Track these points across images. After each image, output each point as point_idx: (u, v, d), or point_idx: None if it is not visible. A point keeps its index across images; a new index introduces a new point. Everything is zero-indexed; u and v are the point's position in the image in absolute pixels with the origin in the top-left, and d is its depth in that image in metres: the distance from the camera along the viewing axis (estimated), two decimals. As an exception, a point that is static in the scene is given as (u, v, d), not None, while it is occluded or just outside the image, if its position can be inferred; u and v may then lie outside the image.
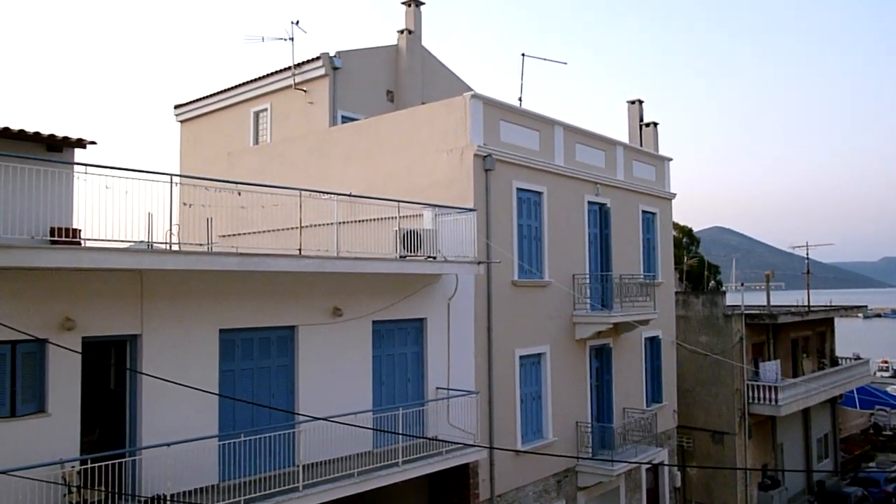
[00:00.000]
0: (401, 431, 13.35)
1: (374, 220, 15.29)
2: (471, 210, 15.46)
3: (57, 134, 12.88)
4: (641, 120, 29.31)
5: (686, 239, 51.47)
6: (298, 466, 11.92)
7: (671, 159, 25.98)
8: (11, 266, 9.20)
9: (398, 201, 14.56)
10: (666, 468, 23.97)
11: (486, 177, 16.92)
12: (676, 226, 46.32)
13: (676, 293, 27.20)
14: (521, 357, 17.92)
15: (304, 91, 24.22)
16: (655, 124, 29.20)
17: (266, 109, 25.76)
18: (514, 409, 17.57)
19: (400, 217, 14.46)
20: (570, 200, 19.89)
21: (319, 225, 14.05)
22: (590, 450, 19.51)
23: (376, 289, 14.42)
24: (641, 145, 27.62)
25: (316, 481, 12.00)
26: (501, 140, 17.65)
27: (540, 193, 18.80)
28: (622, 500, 21.35)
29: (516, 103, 19.87)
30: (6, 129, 12.39)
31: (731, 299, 30.61)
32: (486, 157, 16.85)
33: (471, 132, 16.79)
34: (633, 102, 29.64)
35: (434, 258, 14.60)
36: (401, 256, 14.19)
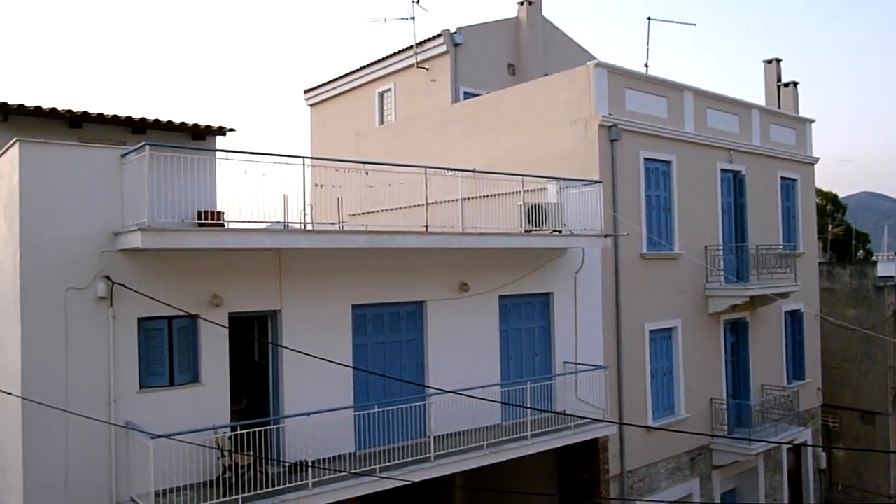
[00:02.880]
0: (529, 405, 13.39)
1: (499, 195, 15.28)
2: (596, 182, 15.12)
3: (200, 123, 13.77)
4: (779, 80, 27.45)
5: (830, 206, 48.09)
6: (429, 437, 12.24)
7: (813, 121, 24.22)
8: (165, 248, 9.96)
9: (522, 175, 14.46)
10: (809, 449, 22.70)
11: (611, 147, 16.48)
12: (819, 192, 43.29)
13: (820, 264, 25.49)
14: (650, 331, 17.45)
15: (427, 69, 24.46)
16: (795, 84, 27.27)
17: (390, 89, 26.24)
18: (644, 384, 17.18)
19: (524, 191, 14.37)
20: (701, 169, 19.02)
21: (445, 201, 14.23)
22: (725, 428, 18.78)
23: (502, 264, 14.45)
24: (780, 107, 25.90)
25: (446, 452, 12.28)
26: (627, 109, 17.09)
27: (669, 163, 18.10)
28: (761, 481, 20.44)
29: (642, 70, 19.14)
30: (156, 120, 13.41)
31: (882, 270, 28.29)
32: (611, 127, 16.39)
33: (595, 102, 16.37)
34: (769, 62, 27.80)
35: (560, 232, 14.43)
36: (526, 231, 14.12)
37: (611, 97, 16.67)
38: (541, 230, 14.25)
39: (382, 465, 11.48)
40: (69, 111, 12.52)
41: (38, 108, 12.22)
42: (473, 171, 15.07)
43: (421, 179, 13.16)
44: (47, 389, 9.48)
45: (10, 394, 9.36)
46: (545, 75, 21.07)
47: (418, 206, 13.48)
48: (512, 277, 14.58)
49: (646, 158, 17.41)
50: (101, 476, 9.88)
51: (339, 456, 11.93)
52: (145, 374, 10.40)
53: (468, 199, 14.54)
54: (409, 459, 11.89)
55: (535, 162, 17.06)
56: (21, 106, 12.10)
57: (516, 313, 14.96)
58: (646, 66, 23.14)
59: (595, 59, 20.30)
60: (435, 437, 12.29)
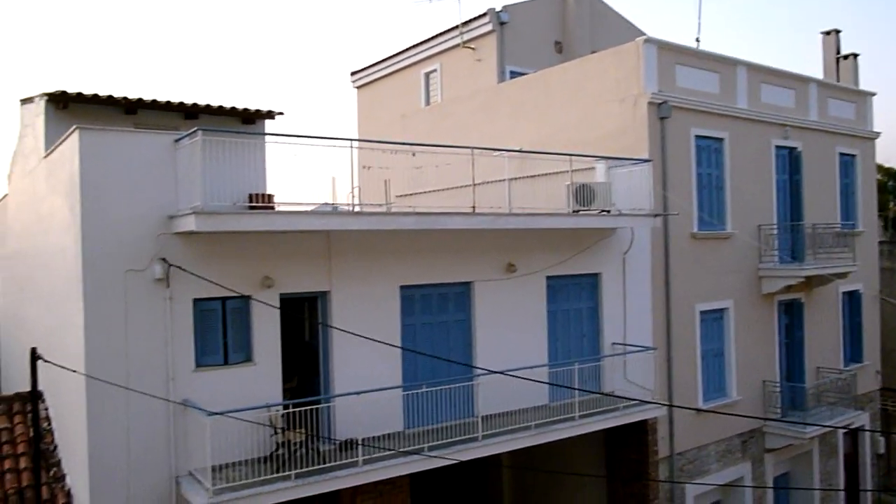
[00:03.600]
0: (577, 386, 13.36)
1: (545, 174, 15.19)
2: (646, 161, 14.88)
3: (250, 108, 13.98)
4: (838, 53, 26.47)
5: (892, 183, 46.33)
6: (477, 417, 12.34)
7: (874, 94, 23.33)
8: (218, 230, 10.18)
9: (570, 155, 14.31)
10: (867, 433, 22.13)
11: (661, 125, 16.17)
12: (881, 168, 41.73)
13: (881, 243, 24.64)
14: (701, 312, 17.19)
15: (472, 49, 24.32)
16: (855, 56, 26.26)
17: (436, 70, 26.19)
18: (694, 365, 16.96)
19: (572, 171, 14.24)
20: (754, 146, 18.54)
21: (491, 182, 14.21)
22: (779, 410, 18.42)
23: (549, 244, 14.38)
24: (838, 81, 25.00)
25: (494, 432, 12.36)
26: (678, 85, 16.73)
27: (721, 140, 17.69)
28: (815, 465, 20.05)
29: (693, 45, 18.68)
30: (208, 106, 13.65)
31: (948, 249, 27.21)
32: (661, 104, 16.08)
33: (644, 79, 16.07)
34: (827, 33, 26.79)
35: (608, 212, 14.27)
36: (573, 211, 14.00)
37: (660, 73, 16.33)
38: (589, 210, 14.11)
39: (431, 444, 11.62)
40: (125, 98, 12.84)
41: (95, 95, 12.56)
42: (520, 150, 15.02)
43: (467, 160, 13.15)
44: (109, 368, 9.84)
45: (75, 371, 9.74)
46: (593, 52, 20.75)
47: (465, 186, 13.50)
48: (559, 258, 14.50)
49: (697, 136, 17.04)
50: (161, 451, 10.24)
51: (388, 434, 12.12)
52: (201, 353, 10.71)
53: (515, 179, 14.52)
54: (457, 439, 12.01)
55: (583, 141, 16.87)
56: (79, 94, 12.45)
57: (564, 294, 14.89)
58: (697, 40, 22.53)
59: (644, 34, 19.90)
60: (483, 417, 12.38)
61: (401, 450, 11.35)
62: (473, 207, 12.72)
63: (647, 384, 14.78)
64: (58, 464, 11.25)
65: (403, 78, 27.64)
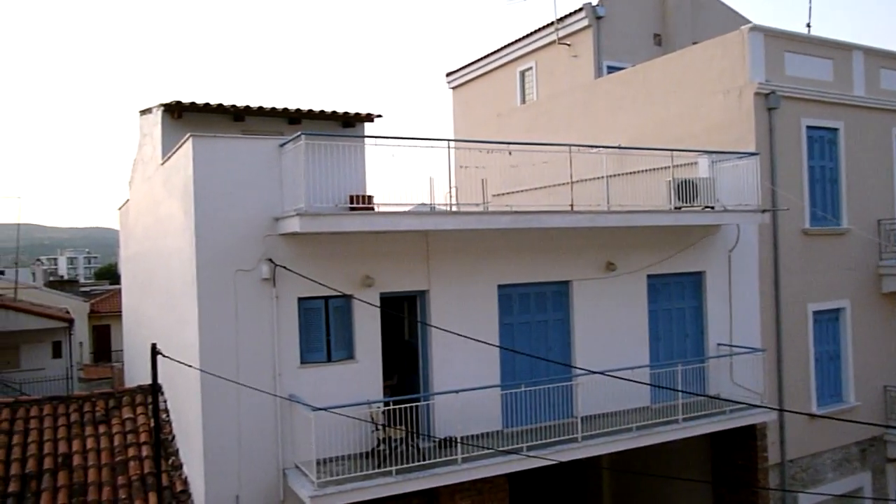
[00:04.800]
0: (680, 388, 12.96)
1: (645, 171, 14.80)
2: (753, 154, 14.25)
3: (350, 111, 14.33)
4: (968, 32, 24.45)
5: None
6: (577, 418, 12.18)
7: None
8: (321, 231, 10.51)
9: (671, 150, 13.90)
10: None
11: (769, 116, 15.45)
12: None
13: None
14: (814, 313, 16.31)
15: (568, 45, 24.00)
16: None
17: (531, 68, 26.01)
18: (807, 368, 16.11)
19: (673, 166, 13.82)
20: (873, 135, 17.42)
21: (589, 179, 13.99)
22: (902, 418, 17.24)
23: (650, 242, 14.02)
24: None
25: (594, 433, 12.17)
26: (787, 74, 15.93)
27: (835, 130, 16.72)
28: (945, 477, 18.61)
29: (804, 30, 17.74)
30: (310, 111, 14.11)
31: None
32: (768, 94, 15.36)
33: (750, 69, 15.39)
34: (956, 12, 24.83)
35: (712, 208, 13.77)
36: (675, 208, 13.59)
37: (768, 62, 15.60)
38: (691, 206, 13.66)
39: (529, 443, 11.57)
40: (233, 106, 13.45)
41: (206, 104, 13.22)
42: (619, 147, 14.72)
43: (564, 158, 13.00)
44: (221, 363, 10.33)
45: (190, 366, 10.29)
46: (694, 43, 20.05)
47: (562, 184, 13.34)
48: (661, 256, 14.11)
49: (808, 126, 16.18)
50: (269, 444, 10.67)
51: (487, 433, 12.14)
52: (305, 350, 11.08)
53: (613, 176, 14.22)
54: (557, 439, 11.90)
55: (685, 135, 16.34)
56: (192, 103, 13.15)
57: (665, 293, 14.48)
58: (808, 25, 21.41)
59: (749, 22, 19.06)
60: (582, 418, 12.21)
61: (499, 449, 11.35)
62: (571, 205, 12.56)
63: (755, 387, 14.16)
64: (175, 453, 11.91)
65: (498, 77, 27.60)
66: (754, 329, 15.23)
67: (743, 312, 15.11)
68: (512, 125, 22.76)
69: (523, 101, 26.15)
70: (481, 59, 28.19)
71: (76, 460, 11.44)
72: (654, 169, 14.57)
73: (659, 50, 23.73)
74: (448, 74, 30.32)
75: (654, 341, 14.27)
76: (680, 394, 12.90)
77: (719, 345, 14.78)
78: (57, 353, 29.45)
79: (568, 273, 13.31)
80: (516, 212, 11.97)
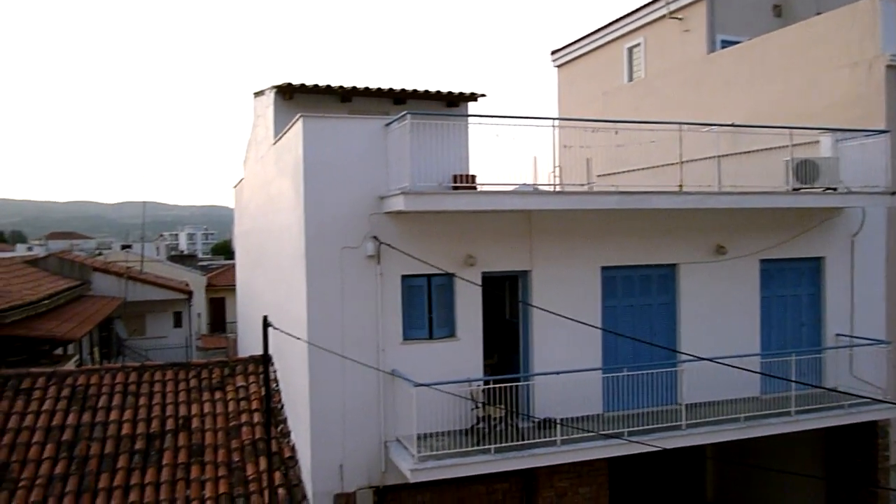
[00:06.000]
0: (793, 379, 12.35)
1: (760, 150, 14.10)
2: (883, 132, 13.27)
3: (454, 91, 14.37)
4: None
5: None
6: (681, 405, 11.85)
7: None
8: (425, 210, 10.64)
9: (790, 128, 13.16)
10: None
11: (902, 91, 14.33)
12: None
13: None
14: (949, 304, 15.10)
15: (680, 19, 23.06)
16: None
17: (639, 44, 25.20)
18: (938, 364, 14.96)
19: (792, 145, 13.08)
20: None
21: (699, 159, 13.46)
22: None
23: (764, 225, 13.37)
24: None
25: (699, 422, 11.81)
26: (924, 45, 14.70)
27: (979, 106, 15.31)
28: None
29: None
30: (415, 90, 14.25)
31: None
32: (902, 67, 14.24)
33: (882, 40, 14.30)
34: None
35: (834, 189, 12.95)
36: (793, 189, 12.87)
37: (903, 33, 14.44)
38: (811, 188, 12.90)
39: (630, 428, 11.36)
40: (341, 87, 13.77)
41: (315, 86, 13.60)
42: (733, 125, 14.07)
43: (673, 136, 12.56)
44: (328, 337, 10.69)
45: (299, 339, 10.70)
46: (818, 14, 18.82)
47: (671, 164, 12.90)
48: (775, 240, 13.44)
49: (947, 102, 14.90)
50: (372, 416, 10.98)
51: (587, 416, 12.02)
52: (408, 327, 11.29)
53: (726, 155, 13.62)
54: (659, 426, 11.63)
55: (805, 112, 15.42)
56: (302, 85, 13.56)
57: (780, 279, 13.79)
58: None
59: (883, -10, 17.67)
60: (686, 405, 11.86)
61: (600, 432, 11.22)
62: (680, 186, 12.14)
63: (877, 381, 13.30)
64: (284, 421, 12.47)
65: (605, 54, 26.91)
66: (878, 320, 14.28)
67: (866, 302, 14.19)
68: (618, 103, 22.18)
69: (630, 78, 25.40)
70: (587, 35, 27.54)
71: (195, 423, 12.18)
72: (769, 148, 13.84)
73: (778, 22, 22.40)
74: (553, 52, 29.82)
75: (766, 329, 13.65)
76: (793, 385, 12.30)
77: (838, 335, 13.96)
78: (178, 322, 31.40)
79: (675, 256, 12.91)
80: (623, 192, 11.68)
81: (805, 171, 12.83)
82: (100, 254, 48.08)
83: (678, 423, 11.69)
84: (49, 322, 17.58)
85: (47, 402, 12.23)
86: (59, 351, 17.65)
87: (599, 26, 26.84)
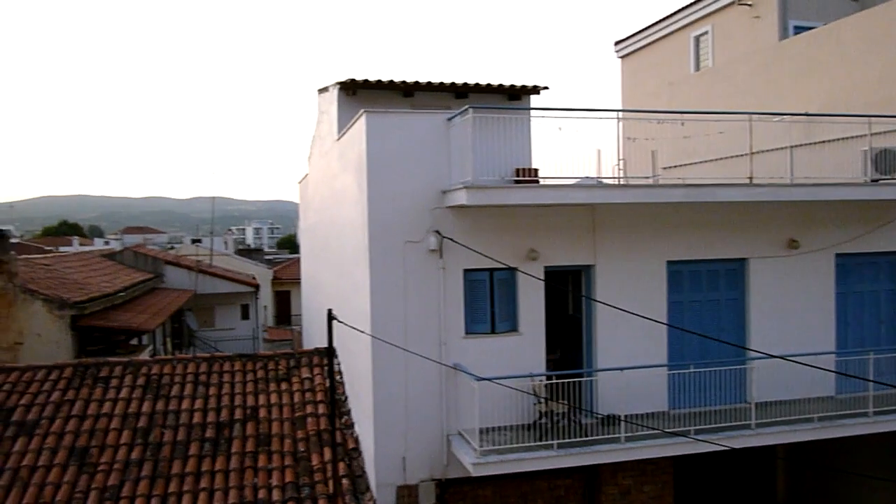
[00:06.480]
0: (871, 378, 11.84)
1: (836, 140, 13.54)
2: (969, 120, 12.59)
3: (516, 84, 14.28)
4: None
5: None
6: (750, 404, 11.51)
7: None
8: (487, 204, 10.61)
9: (869, 116, 12.59)
10: None
11: None
12: None
13: None
14: None
15: (749, 5, 22.33)
16: None
17: (707, 32, 24.52)
18: None
19: (871, 135, 12.52)
20: None
21: (770, 150, 13.03)
22: None
23: (840, 218, 12.86)
24: None
25: (769, 421, 11.45)
26: None
27: None
28: None
29: None
30: (477, 84, 14.20)
31: None
32: None
33: (971, 22, 13.53)
34: None
35: (916, 181, 12.34)
36: (871, 180, 12.33)
37: None
38: (890, 179, 12.32)
39: (697, 427, 11.11)
40: (403, 82, 13.85)
41: (378, 81, 13.72)
42: (806, 114, 13.56)
43: (742, 127, 12.19)
44: (390, 330, 10.80)
45: (362, 332, 10.84)
46: (900, -3, 17.92)
47: (739, 156, 12.54)
48: (852, 233, 12.90)
49: None
50: (434, 409, 11.04)
51: (651, 413, 11.82)
52: (470, 321, 11.30)
53: (799, 146, 13.14)
54: (727, 424, 11.34)
55: (883, 100, 14.71)
56: (365, 81, 13.70)
57: (857, 274, 13.24)
58: None
59: (971, -31, 16.71)
60: (756, 404, 11.52)
61: (665, 430, 11.00)
62: (750, 178, 11.77)
63: (963, 382, 12.65)
64: (348, 412, 12.66)
65: (670, 43, 26.29)
66: (965, 317, 13.56)
67: (951, 298, 13.49)
68: (685, 94, 21.64)
69: (697, 68, 24.75)
70: (652, 25, 26.96)
71: (262, 413, 12.49)
72: (845, 138, 13.29)
73: (855, 6, 21.44)
74: (617, 43, 29.31)
75: (842, 326, 13.13)
76: (871, 385, 11.80)
77: (920, 333, 13.32)
78: (245, 315, 32.26)
79: (744, 250, 12.54)
80: (689, 185, 11.42)
81: (884, 162, 12.28)
82: (171, 248, 49.72)
83: (747, 422, 11.37)
84: (125, 313, 18.31)
85: (124, 391, 12.73)
86: (134, 341, 18.36)
87: (665, 15, 26.24)
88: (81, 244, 68.12)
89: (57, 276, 18.61)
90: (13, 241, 26.31)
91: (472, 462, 10.11)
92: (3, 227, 19.76)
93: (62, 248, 52.63)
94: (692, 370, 11.56)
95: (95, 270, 22.03)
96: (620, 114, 11.13)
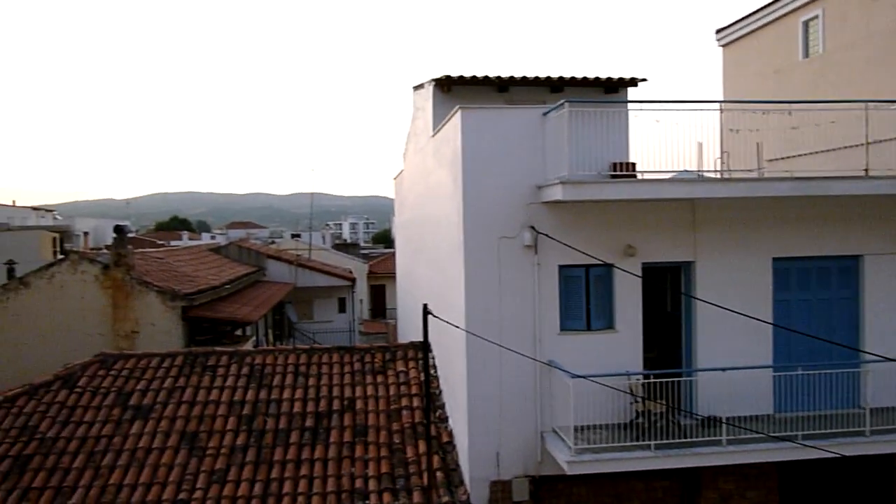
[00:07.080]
0: None
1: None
2: None
3: (613, 76, 14.02)
4: None
5: None
6: (865, 409, 10.88)
7: None
8: (583, 199, 10.47)
9: None
10: None
11: None
12: None
13: None
14: None
15: (866, -14, 20.98)
16: None
17: (817, 16, 23.21)
18: None
19: None
20: None
21: (887, 140, 12.23)
22: None
23: (968, 213, 11.94)
24: None
25: (886, 428, 10.80)
26: None
27: None
28: None
29: None
30: (572, 78, 14.04)
31: None
32: None
33: None
34: None
35: None
36: None
37: None
38: None
39: (805, 431, 10.59)
40: (498, 77, 13.83)
41: (473, 77, 13.77)
42: (930, 102, 12.67)
43: (856, 116, 11.50)
44: (485, 325, 10.83)
45: (458, 327, 10.93)
46: None
47: (853, 147, 11.84)
48: (982, 229, 11.95)
49: None
50: (528, 406, 11.01)
51: (755, 416, 11.36)
52: (565, 317, 11.19)
53: (921, 136, 12.28)
54: (838, 430, 10.74)
55: None
56: (460, 77, 13.78)
57: None
58: None
59: None
60: (871, 409, 10.87)
61: (770, 434, 10.55)
62: (866, 170, 11.10)
63: None
64: (442, 406, 12.80)
65: (776, 29, 25.04)
66: None
67: None
68: (792, 82, 20.63)
69: (806, 55, 23.48)
70: (757, 10, 25.77)
71: (358, 404, 12.81)
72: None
73: None
74: (718, 31, 28.18)
75: (971, 329, 12.19)
76: None
77: None
78: (342, 308, 33.15)
79: (859, 247, 11.84)
80: (798, 178, 10.86)
81: None
82: (272, 242, 51.66)
83: (861, 428, 10.75)
84: (230, 305, 19.17)
85: (230, 379, 13.35)
86: (238, 332, 19.21)
87: (770, 1, 25.04)
88: (190, 238, 71.82)
89: (169, 269, 19.70)
90: (129, 235, 28.02)
91: (567, 460, 10.02)
92: (121, 223, 21.09)
93: (173, 243, 55.68)
94: (800, 372, 11.03)
95: (203, 264, 23.18)
96: (722, 105, 10.73)
